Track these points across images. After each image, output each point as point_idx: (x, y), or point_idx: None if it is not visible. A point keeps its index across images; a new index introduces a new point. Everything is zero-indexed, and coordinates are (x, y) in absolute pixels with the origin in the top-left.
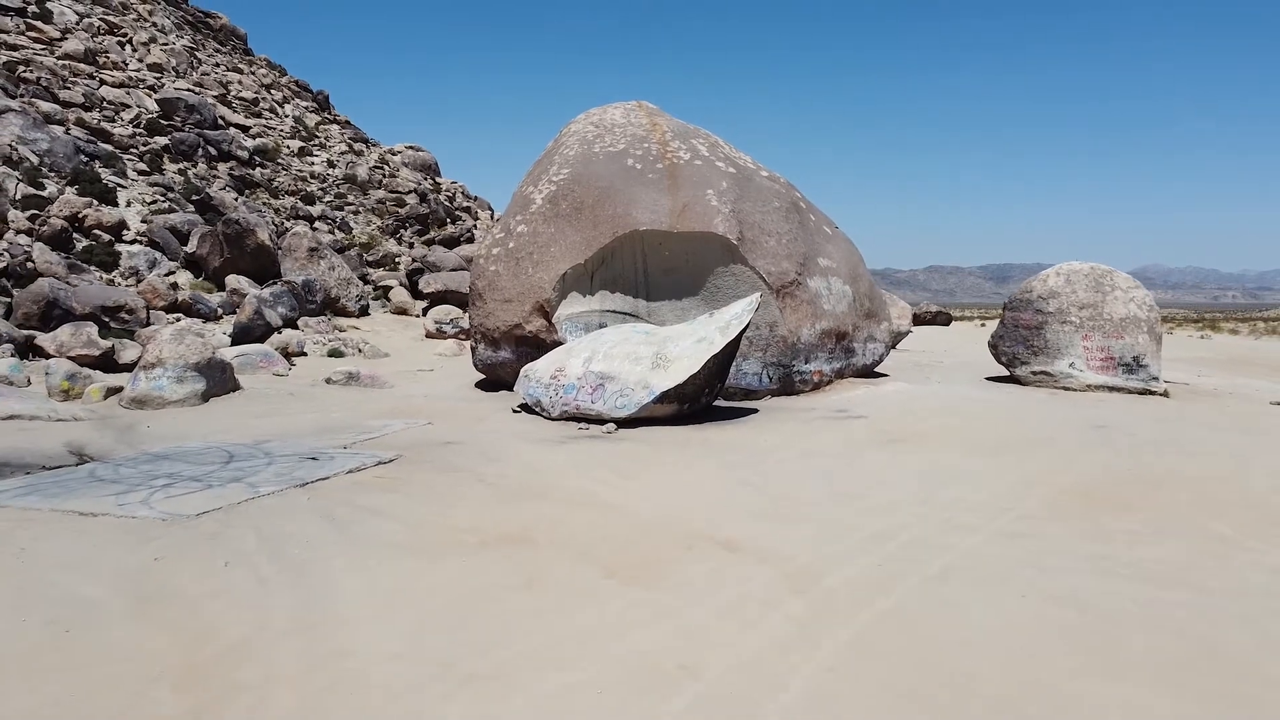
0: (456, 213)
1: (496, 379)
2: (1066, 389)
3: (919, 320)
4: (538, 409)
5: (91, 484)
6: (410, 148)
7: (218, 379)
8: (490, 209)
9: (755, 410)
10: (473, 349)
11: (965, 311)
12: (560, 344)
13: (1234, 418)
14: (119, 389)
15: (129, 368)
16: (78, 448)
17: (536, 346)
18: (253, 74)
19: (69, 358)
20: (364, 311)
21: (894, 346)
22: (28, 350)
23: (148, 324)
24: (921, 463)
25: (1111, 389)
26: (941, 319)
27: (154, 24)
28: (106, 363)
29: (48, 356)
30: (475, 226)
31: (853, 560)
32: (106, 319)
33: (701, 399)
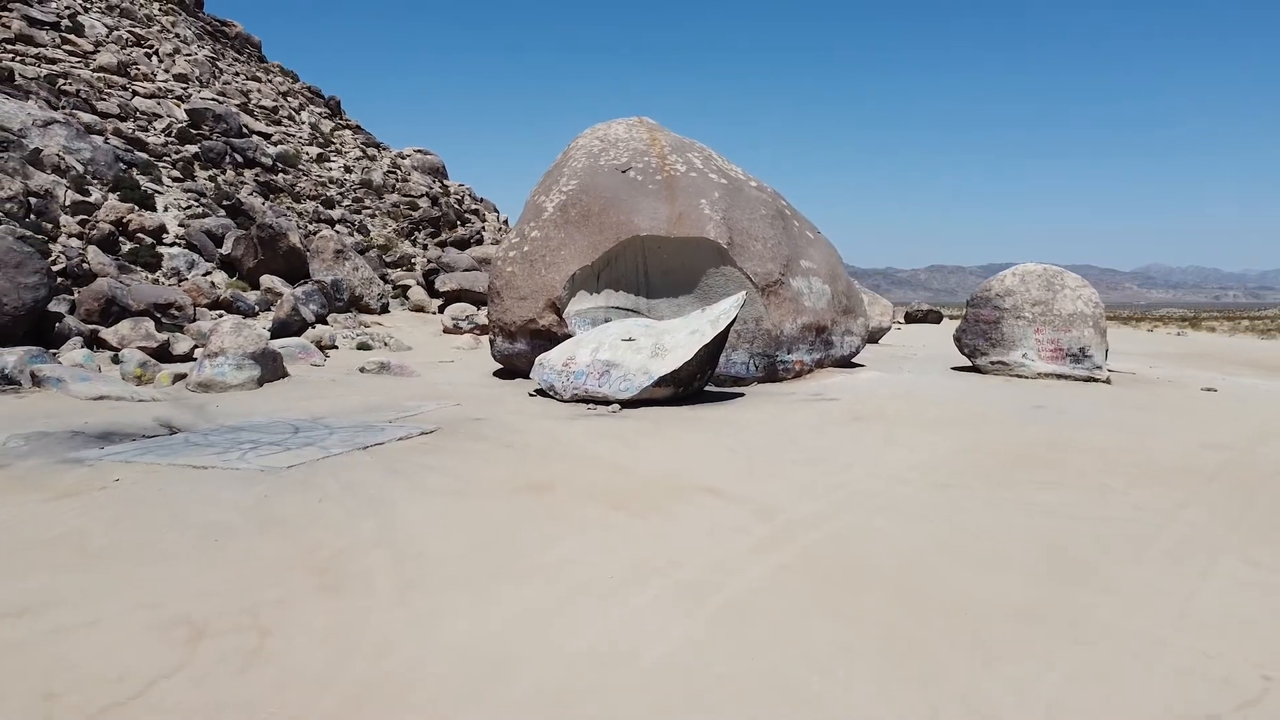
0: (465, 215)
1: (513, 368)
2: (1020, 377)
3: (911, 319)
4: (551, 393)
5: (190, 448)
6: (419, 151)
7: (270, 367)
8: (496, 210)
9: (742, 394)
10: (491, 341)
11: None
12: (570, 336)
13: (1161, 401)
14: (183, 375)
15: (182, 358)
16: (165, 421)
17: (549, 339)
18: (270, 82)
19: (121, 351)
20: (385, 309)
21: (876, 342)
22: (92, 342)
23: (194, 320)
24: (879, 435)
25: (1060, 377)
26: (932, 317)
27: (177, 35)
28: (163, 354)
29: (110, 348)
30: (483, 229)
31: (809, 502)
32: (159, 315)
33: (694, 383)
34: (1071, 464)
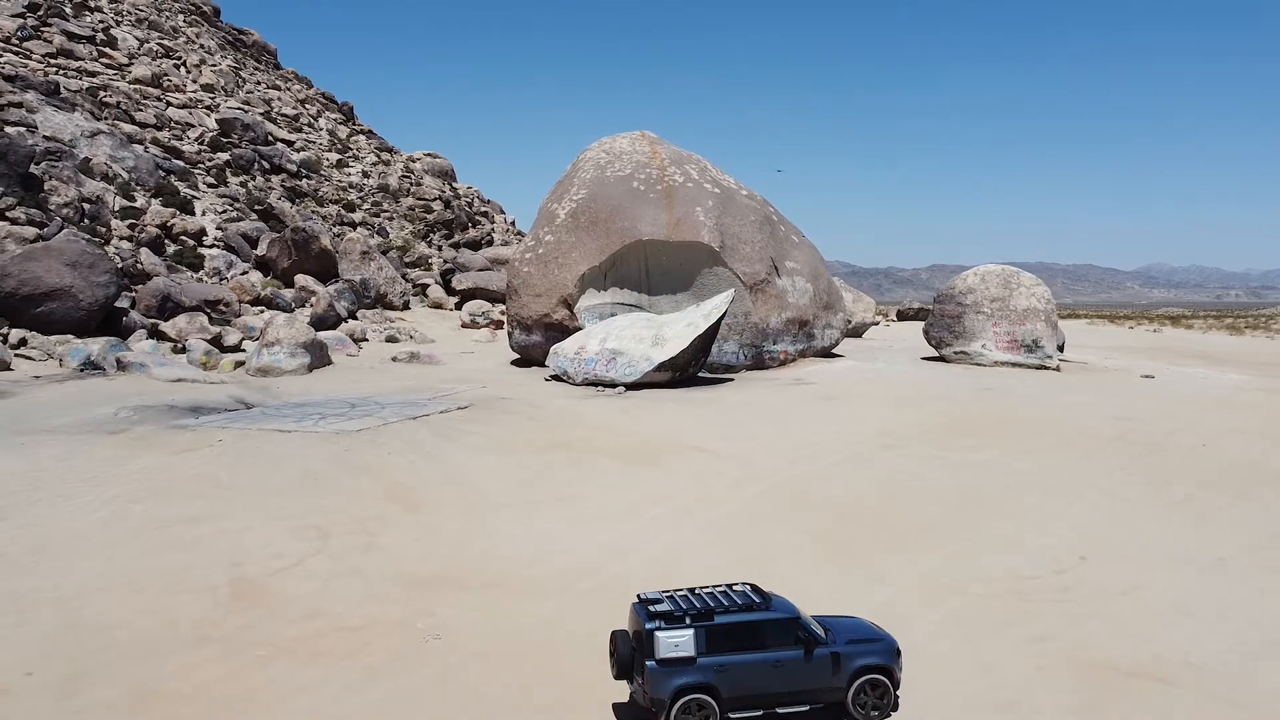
0: (476, 217)
1: (529, 358)
2: (979, 365)
3: (903, 316)
4: (565, 377)
5: (267, 417)
6: (428, 155)
7: (317, 355)
8: (503, 211)
9: (732, 379)
10: (509, 334)
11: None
12: (580, 329)
13: (1098, 385)
14: (242, 362)
15: (232, 349)
16: (239, 398)
17: (561, 331)
18: (288, 90)
19: (187, 341)
20: (406, 306)
21: (860, 336)
22: (154, 334)
23: (239, 315)
24: (845, 410)
25: (1014, 365)
26: (923, 315)
27: (201, 45)
28: (215, 344)
29: (169, 339)
30: (493, 230)
31: (777, 457)
32: (208, 310)
33: (690, 369)
34: (1001, 432)
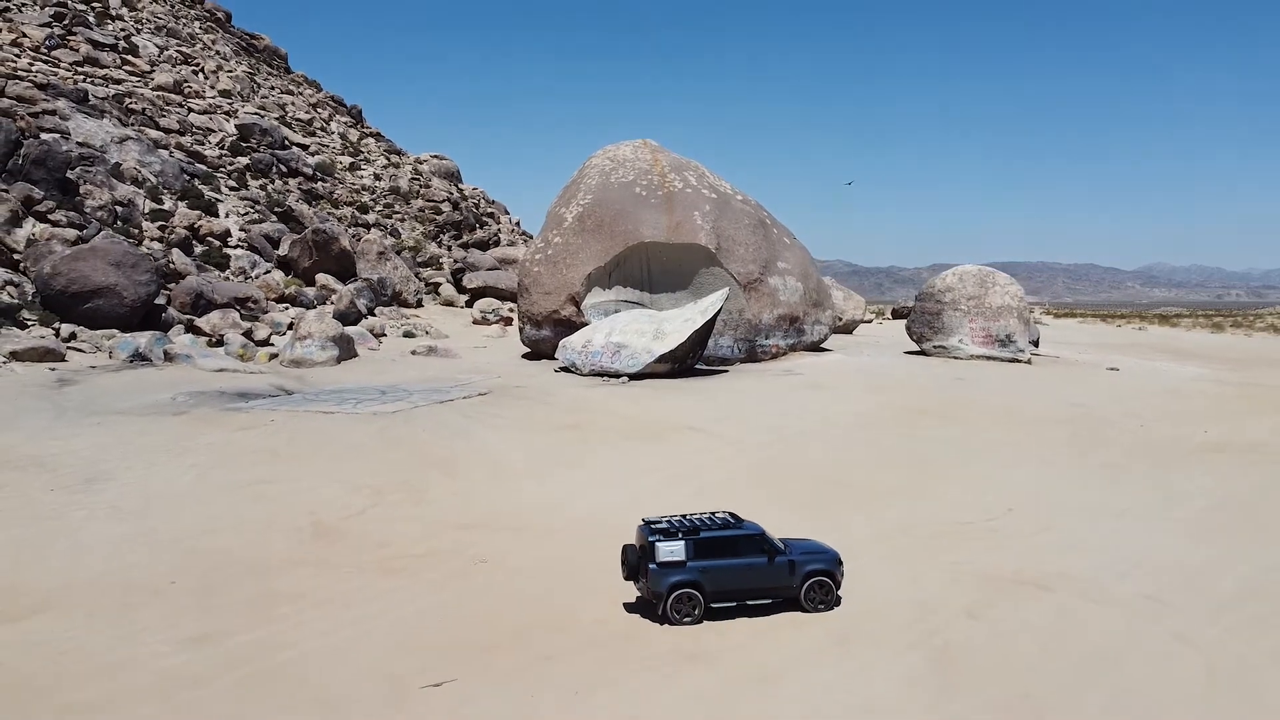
0: (483, 218)
1: (539, 352)
2: (956, 358)
3: (898, 314)
4: (573, 369)
5: (309, 402)
6: (435, 156)
7: (345, 348)
8: (507, 212)
9: (726, 371)
10: (520, 329)
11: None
12: (586, 324)
13: (1063, 376)
14: (276, 354)
15: (262, 342)
16: (279, 386)
17: (569, 326)
18: (301, 95)
19: (224, 335)
20: (419, 303)
21: (850, 332)
22: (190, 329)
23: (266, 311)
24: (828, 396)
25: (989, 358)
26: None
27: (218, 52)
28: (248, 338)
29: (204, 334)
30: (500, 231)
31: (763, 435)
32: (238, 307)
33: (688, 361)
34: (963, 415)
